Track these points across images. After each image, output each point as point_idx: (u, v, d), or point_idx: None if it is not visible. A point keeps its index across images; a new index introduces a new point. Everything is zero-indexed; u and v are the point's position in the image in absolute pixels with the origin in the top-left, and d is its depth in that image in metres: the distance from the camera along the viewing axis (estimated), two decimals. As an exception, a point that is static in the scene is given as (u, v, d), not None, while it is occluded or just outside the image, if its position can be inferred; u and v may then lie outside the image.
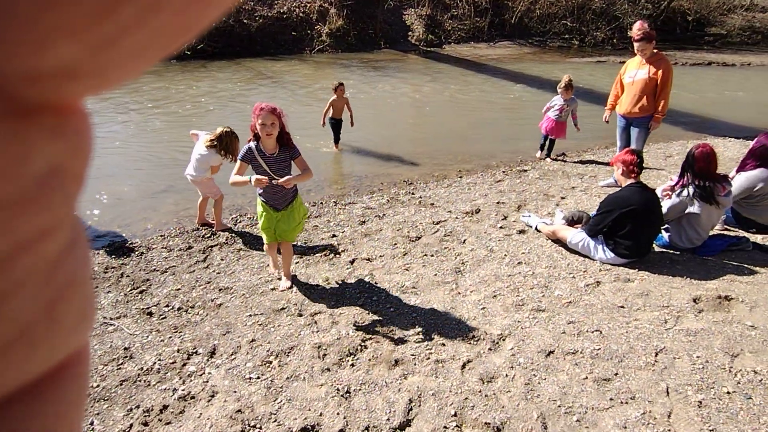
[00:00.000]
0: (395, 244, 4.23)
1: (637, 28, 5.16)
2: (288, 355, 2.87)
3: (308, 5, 15.88)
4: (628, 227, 3.72)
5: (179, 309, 3.34)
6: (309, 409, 2.48)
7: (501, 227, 4.55)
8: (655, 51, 5.18)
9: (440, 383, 2.63)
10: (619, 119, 5.61)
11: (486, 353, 2.87)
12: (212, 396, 2.58)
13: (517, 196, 5.33)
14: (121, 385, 2.66)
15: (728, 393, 2.54)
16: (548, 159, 6.66)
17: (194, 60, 12.73)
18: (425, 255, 4.04)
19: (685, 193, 3.94)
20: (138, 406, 2.52)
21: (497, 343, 2.95)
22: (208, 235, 4.39)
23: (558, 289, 3.52)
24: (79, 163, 0.15)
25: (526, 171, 6.22)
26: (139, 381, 2.69)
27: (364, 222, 4.67)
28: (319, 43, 15.39)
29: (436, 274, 3.74)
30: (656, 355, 2.82)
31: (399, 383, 2.64)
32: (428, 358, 2.82)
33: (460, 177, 6.04)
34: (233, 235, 4.40)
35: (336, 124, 6.73)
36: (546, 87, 10.83)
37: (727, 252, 4.07)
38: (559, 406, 2.47)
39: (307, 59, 14.33)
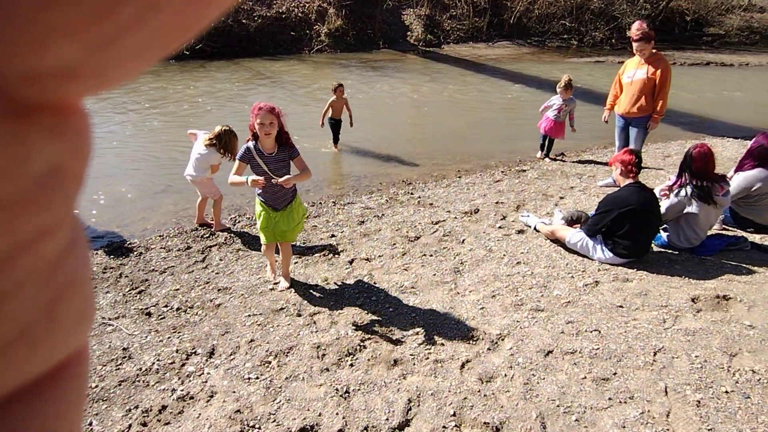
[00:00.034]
0: (394, 244, 4.23)
1: (635, 28, 5.16)
2: (287, 355, 2.87)
3: (307, 5, 15.88)
4: (626, 227, 3.72)
5: (178, 309, 3.34)
6: (308, 409, 2.48)
7: (500, 227, 4.55)
8: (653, 51, 5.19)
9: (439, 383, 2.63)
10: (618, 119, 5.62)
11: (485, 353, 2.87)
12: (211, 396, 2.58)
13: (515, 196, 5.34)
14: (119, 385, 2.66)
15: (726, 392, 2.54)
16: (547, 159, 6.67)
17: (193, 60, 12.73)
18: (424, 255, 4.04)
19: (682, 193, 3.94)
20: (137, 407, 2.52)
21: (496, 342, 2.95)
22: (207, 236, 4.38)
23: (557, 289, 3.53)
24: (78, 162, 0.15)
25: (524, 171, 6.22)
26: (138, 381, 2.69)
27: (363, 222, 4.67)
28: (318, 43, 15.38)
29: (435, 274, 3.74)
30: (655, 354, 2.83)
31: (398, 383, 2.64)
32: (427, 358, 2.83)
33: (459, 177, 6.04)
34: (232, 235, 4.40)
35: (335, 125, 6.73)
36: (544, 87, 10.84)
37: (726, 252, 4.08)
38: (557, 406, 2.47)
39: (306, 59, 14.33)
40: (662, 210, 3.92)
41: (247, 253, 4.12)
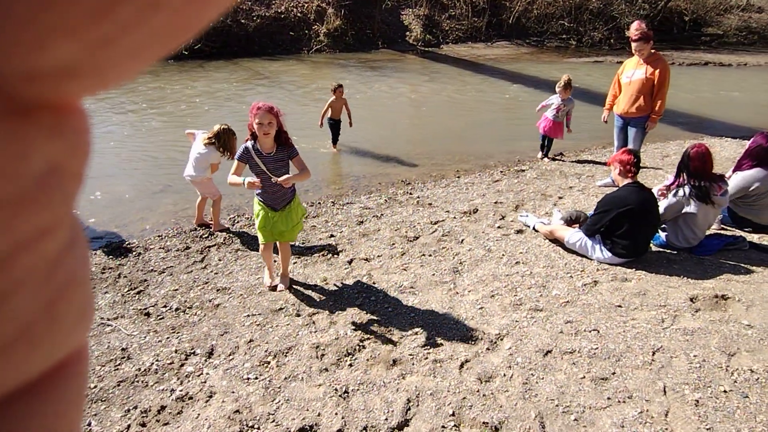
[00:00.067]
0: (393, 244, 4.23)
1: (634, 28, 5.17)
2: (286, 356, 2.86)
3: (306, 5, 15.87)
4: (625, 227, 3.73)
5: (177, 309, 3.33)
6: (307, 409, 2.48)
7: (499, 227, 4.55)
8: (652, 51, 5.19)
9: (438, 383, 2.64)
10: (617, 119, 5.63)
11: (484, 353, 2.87)
12: (210, 396, 2.58)
13: (514, 195, 5.34)
14: (118, 385, 2.66)
15: (725, 392, 2.54)
16: (546, 159, 6.67)
17: (191, 60, 12.71)
18: (423, 255, 4.05)
19: (681, 192, 3.95)
20: (136, 407, 2.52)
21: (495, 342, 2.96)
22: (206, 236, 4.38)
23: (555, 289, 3.53)
24: (77, 162, 0.15)
25: (523, 171, 6.22)
26: (137, 382, 2.69)
27: (362, 222, 4.67)
28: (317, 43, 15.38)
29: (434, 274, 3.74)
30: (653, 354, 2.83)
31: (397, 383, 2.64)
32: (426, 358, 2.83)
33: (458, 177, 6.04)
34: (231, 235, 4.39)
35: (334, 125, 6.73)
36: (543, 87, 10.85)
37: (724, 251, 4.08)
38: (556, 406, 2.47)
39: (305, 59, 14.32)
40: (661, 210, 3.93)
41: (246, 253, 4.11)
